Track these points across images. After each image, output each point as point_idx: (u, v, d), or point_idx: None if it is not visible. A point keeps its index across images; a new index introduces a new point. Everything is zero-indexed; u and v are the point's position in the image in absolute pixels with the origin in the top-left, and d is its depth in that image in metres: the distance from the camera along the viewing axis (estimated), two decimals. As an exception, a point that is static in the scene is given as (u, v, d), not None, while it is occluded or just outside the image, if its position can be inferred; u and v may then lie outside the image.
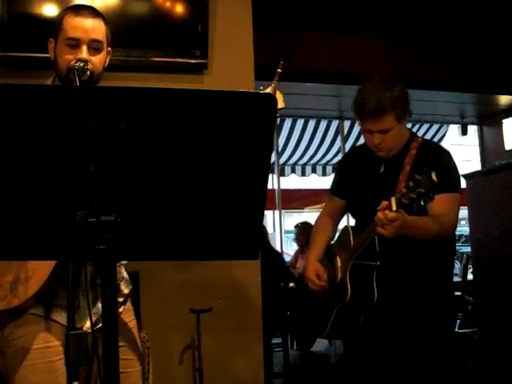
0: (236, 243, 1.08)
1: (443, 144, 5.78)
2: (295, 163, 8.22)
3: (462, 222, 7.92)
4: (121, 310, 1.66)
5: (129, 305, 1.72)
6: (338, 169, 2.46)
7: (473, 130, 7.48)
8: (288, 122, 6.99)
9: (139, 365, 1.66)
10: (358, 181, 2.19)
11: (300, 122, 7.01)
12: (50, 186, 0.98)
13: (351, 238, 2.10)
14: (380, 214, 1.73)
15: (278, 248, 6.69)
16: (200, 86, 2.72)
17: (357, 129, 6.79)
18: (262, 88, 1.68)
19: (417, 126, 7.10)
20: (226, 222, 1.05)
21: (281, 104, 1.63)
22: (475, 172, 4.76)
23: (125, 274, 1.73)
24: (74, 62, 1.53)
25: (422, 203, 1.65)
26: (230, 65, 2.81)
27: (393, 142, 2.03)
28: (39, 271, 1.46)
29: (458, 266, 6.28)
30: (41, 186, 0.98)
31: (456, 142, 10.53)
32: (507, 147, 6.47)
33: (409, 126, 2.28)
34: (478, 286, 4.35)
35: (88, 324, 1.52)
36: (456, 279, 4.46)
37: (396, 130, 2.00)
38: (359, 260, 2.02)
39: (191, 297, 2.68)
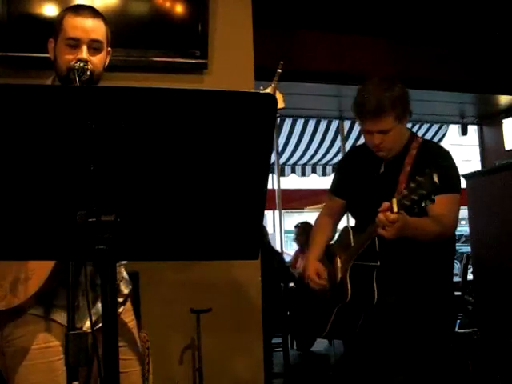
0: (236, 243, 1.08)
1: (443, 144, 5.79)
2: (295, 163, 8.22)
3: (462, 222, 7.91)
4: (121, 310, 1.66)
5: (129, 305, 1.72)
6: (338, 169, 2.46)
7: (473, 130, 7.49)
8: (288, 122, 6.98)
9: (139, 365, 1.66)
10: (357, 181, 2.19)
11: (300, 122, 7.01)
12: (50, 185, 0.98)
13: (351, 239, 2.10)
14: (381, 216, 1.73)
15: (278, 248, 6.69)
16: (200, 85, 2.71)
17: (357, 129, 6.79)
18: (261, 88, 1.68)
19: (417, 126, 7.11)
20: (225, 222, 1.05)
21: (281, 104, 1.63)
22: (475, 172, 4.74)
23: (125, 274, 1.73)
24: (74, 62, 1.53)
25: (423, 205, 1.65)
26: (230, 65, 2.81)
27: (393, 142, 2.03)
28: (39, 271, 1.46)
29: (457, 266, 6.28)
30: (41, 186, 0.98)
31: (456, 142, 10.54)
32: (507, 147, 6.47)
33: (409, 125, 2.28)
34: (478, 286, 4.34)
35: (88, 324, 1.52)
36: (456, 279, 4.46)
37: (396, 130, 2.00)
38: (359, 260, 2.02)
39: (191, 297, 2.67)
